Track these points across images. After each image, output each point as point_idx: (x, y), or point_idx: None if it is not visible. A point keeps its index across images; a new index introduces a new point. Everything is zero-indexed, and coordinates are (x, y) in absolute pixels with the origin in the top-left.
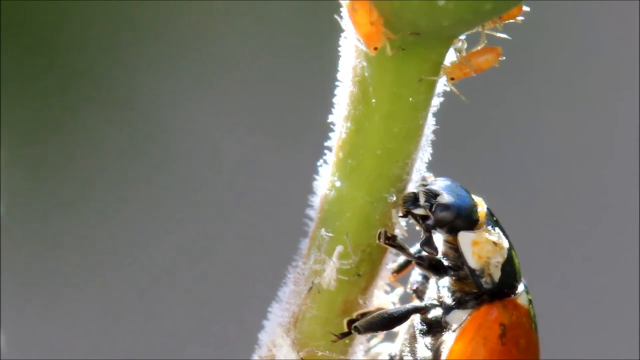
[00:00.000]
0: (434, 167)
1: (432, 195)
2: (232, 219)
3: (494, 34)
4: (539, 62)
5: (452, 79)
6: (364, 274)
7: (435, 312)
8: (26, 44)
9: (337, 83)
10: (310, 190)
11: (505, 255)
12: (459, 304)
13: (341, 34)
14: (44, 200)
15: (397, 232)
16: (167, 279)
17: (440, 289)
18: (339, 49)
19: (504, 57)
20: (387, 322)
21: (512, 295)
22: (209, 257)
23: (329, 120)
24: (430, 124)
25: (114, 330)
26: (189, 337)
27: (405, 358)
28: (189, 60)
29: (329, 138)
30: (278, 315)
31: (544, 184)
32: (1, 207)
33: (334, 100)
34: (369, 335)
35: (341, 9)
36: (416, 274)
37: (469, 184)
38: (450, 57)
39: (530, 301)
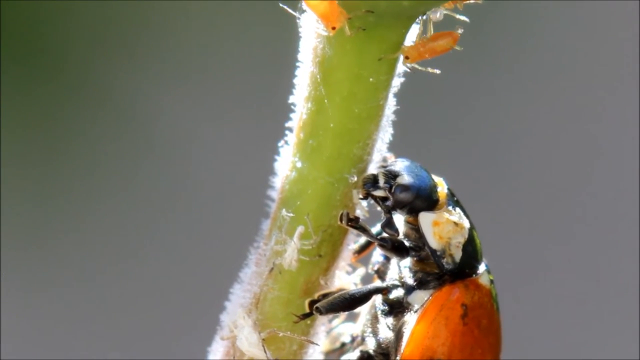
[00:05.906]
0: (395, 147)
1: (391, 176)
2: (193, 200)
3: (454, 14)
4: (500, 43)
5: (407, 58)
6: (325, 255)
7: (397, 293)
8: (25, 46)
9: (297, 64)
10: (271, 171)
11: (467, 236)
12: (421, 284)
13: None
14: (44, 200)
15: (358, 212)
16: (136, 261)
17: (401, 269)
18: (300, 29)
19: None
20: (349, 302)
21: (474, 276)
22: (170, 238)
23: (289, 101)
24: (391, 104)
25: (112, 329)
26: (150, 317)
27: (367, 339)
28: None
29: (290, 119)
30: (239, 297)
31: (507, 163)
32: (1, 207)
33: (295, 81)
34: (330, 316)
35: None
36: (378, 255)
37: (430, 165)
38: (411, 37)
39: (492, 281)
